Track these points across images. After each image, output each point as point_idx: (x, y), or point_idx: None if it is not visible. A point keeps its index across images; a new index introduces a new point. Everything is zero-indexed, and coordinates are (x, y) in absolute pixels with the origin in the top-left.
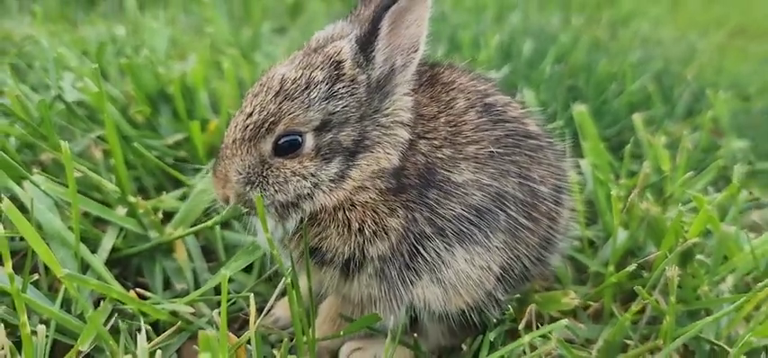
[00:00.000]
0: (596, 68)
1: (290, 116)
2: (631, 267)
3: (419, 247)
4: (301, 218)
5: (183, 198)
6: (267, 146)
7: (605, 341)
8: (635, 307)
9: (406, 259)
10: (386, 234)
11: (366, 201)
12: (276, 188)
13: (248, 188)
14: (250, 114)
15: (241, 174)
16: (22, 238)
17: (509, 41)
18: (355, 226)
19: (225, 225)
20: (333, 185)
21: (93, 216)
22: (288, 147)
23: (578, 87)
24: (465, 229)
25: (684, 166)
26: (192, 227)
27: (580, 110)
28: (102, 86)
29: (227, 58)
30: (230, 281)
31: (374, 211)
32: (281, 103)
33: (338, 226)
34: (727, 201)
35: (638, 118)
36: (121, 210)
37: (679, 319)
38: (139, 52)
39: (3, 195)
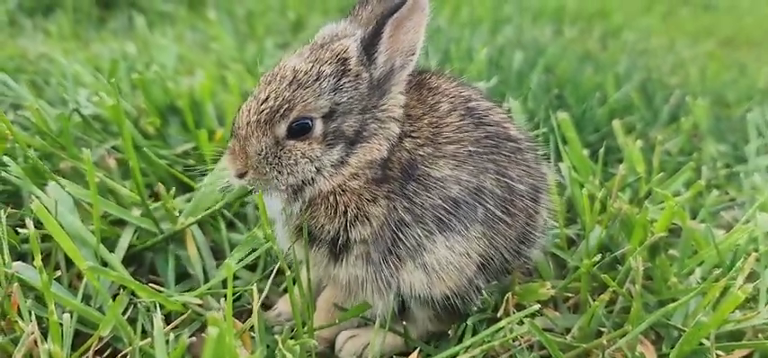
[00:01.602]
0: (582, 79)
1: (304, 103)
2: (597, 258)
3: (399, 234)
4: (302, 204)
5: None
6: (282, 128)
7: (579, 328)
8: (606, 296)
9: (389, 244)
10: (367, 219)
11: (354, 188)
12: (288, 170)
13: (267, 168)
14: (265, 100)
15: (259, 153)
16: (43, 240)
17: (499, 53)
18: (341, 208)
19: (231, 225)
20: (333, 171)
21: (109, 218)
22: (299, 131)
23: (564, 97)
24: (444, 218)
25: (659, 168)
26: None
27: (563, 117)
28: (119, 100)
29: (232, 72)
30: (236, 277)
31: (359, 197)
32: (294, 91)
33: (327, 207)
34: (695, 199)
35: (617, 124)
36: (136, 212)
37: (650, 309)
38: (149, 68)
39: (32, 197)
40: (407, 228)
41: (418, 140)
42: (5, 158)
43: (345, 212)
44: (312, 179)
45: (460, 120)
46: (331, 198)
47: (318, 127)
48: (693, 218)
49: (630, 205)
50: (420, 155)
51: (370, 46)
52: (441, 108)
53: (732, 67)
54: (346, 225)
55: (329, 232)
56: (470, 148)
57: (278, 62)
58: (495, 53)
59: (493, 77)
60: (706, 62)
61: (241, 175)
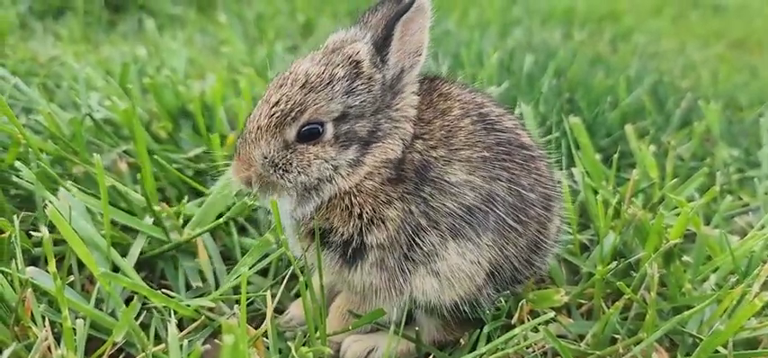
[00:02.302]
0: (593, 82)
1: (315, 106)
2: (613, 265)
3: (416, 238)
4: (317, 206)
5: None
6: (292, 132)
7: (593, 335)
8: (620, 303)
9: (405, 250)
10: (383, 223)
11: (369, 189)
12: (300, 170)
13: (271, 171)
14: (276, 103)
15: (266, 157)
16: (56, 244)
17: (509, 57)
18: (356, 211)
19: (242, 230)
20: (350, 170)
21: (120, 224)
22: (309, 135)
23: (575, 101)
24: (457, 225)
25: (672, 173)
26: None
27: (575, 121)
28: (133, 104)
29: (243, 76)
30: (248, 283)
31: (374, 199)
32: (306, 95)
33: (342, 210)
34: (712, 205)
35: (630, 129)
36: (148, 219)
37: (664, 315)
38: (160, 72)
39: (45, 203)
40: (424, 233)
41: (430, 142)
42: (18, 163)
43: (361, 215)
44: (330, 177)
45: (473, 126)
46: (346, 199)
47: (329, 130)
48: (707, 223)
49: (644, 211)
50: (433, 157)
51: (381, 48)
52: (452, 112)
53: (743, 69)
54: (362, 228)
55: (343, 235)
56: (484, 154)
57: (288, 66)
58: (505, 57)
59: (504, 82)
60: (717, 65)
61: (247, 182)
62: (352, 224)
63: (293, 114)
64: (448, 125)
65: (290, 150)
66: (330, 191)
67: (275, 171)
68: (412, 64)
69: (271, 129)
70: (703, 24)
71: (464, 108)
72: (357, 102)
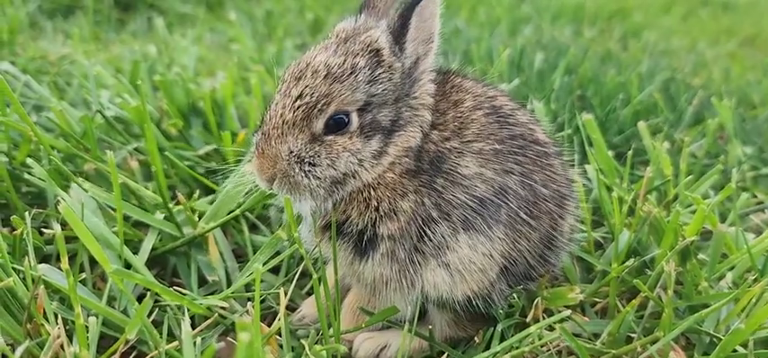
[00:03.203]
0: (605, 79)
1: (341, 97)
2: (630, 262)
3: (427, 229)
4: (339, 199)
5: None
6: (319, 124)
7: (609, 334)
8: (636, 301)
9: (415, 241)
10: (395, 214)
11: (389, 181)
12: (328, 162)
13: (297, 168)
14: (299, 96)
15: (293, 152)
16: (67, 242)
17: (520, 54)
18: (374, 203)
19: (253, 227)
20: (374, 162)
21: (132, 220)
22: (336, 126)
23: (587, 97)
24: (469, 217)
25: (687, 171)
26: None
27: (588, 118)
28: (144, 102)
29: (253, 74)
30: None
31: (392, 191)
32: (331, 85)
33: (360, 202)
34: (725, 202)
35: (643, 126)
36: (159, 216)
37: (681, 314)
38: (171, 69)
39: (59, 199)
40: (434, 224)
41: (445, 133)
42: (29, 160)
43: (377, 208)
44: (355, 172)
45: (486, 118)
46: (365, 192)
47: (355, 120)
48: (721, 221)
49: (659, 208)
50: (446, 148)
51: (399, 36)
52: (464, 104)
53: (755, 67)
54: (376, 220)
55: (358, 225)
56: (496, 146)
57: (299, 59)
58: (515, 54)
59: (515, 79)
60: (728, 63)
61: (271, 180)
62: (368, 215)
63: (320, 106)
64: (461, 116)
65: (318, 143)
66: (353, 185)
67: (301, 167)
68: (426, 51)
69: (298, 123)
70: (713, 22)
71: (476, 100)
72: (379, 91)
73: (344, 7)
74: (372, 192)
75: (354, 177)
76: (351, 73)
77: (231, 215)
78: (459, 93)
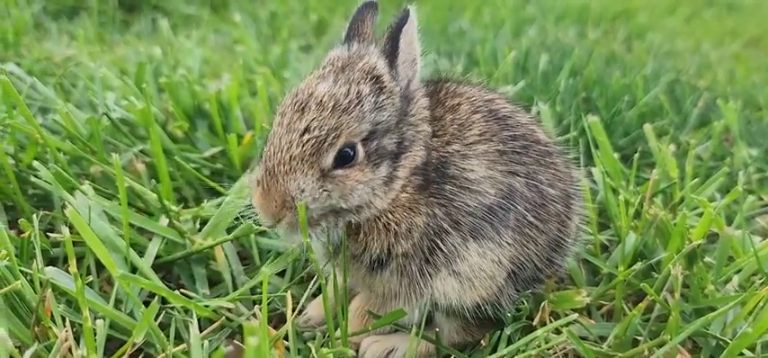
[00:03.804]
0: (610, 81)
1: (349, 129)
2: (637, 265)
3: (438, 241)
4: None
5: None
6: (328, 159)
7: (615, 337)
8: (643, 304)
9: (427, 254)
10: (410, 233)
11: (403, 202)
12: (340, 199)
13: (311, 204)
14: (306, 130)
15: (303, 189)
16: (74, 245)
17: (525, 56)
18: (393, 228)
19: (260, 231)
20: (386, 188)
21: (137, 226)
22: (343, 159)
23: (592, 99)
24: (478, 224)
25: (693, 173)
26: (226, 233)
27: (593, 120)
28: (149, 105)
29: (258, 76)
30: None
31: (408, 211)
32: (339, 118)
33: (379, 229)
34: (732, 205)
35: (649, 128)
36: (164, 220)
37: (687, 317)
38: (176, 71)
39: (64, 203)
40: (446, 235)
41: (444, 138)
42: (35, 163)
43: (396, 233)
44: (368, 203)
45: (485, 121)
46: (383, 219)
47: (361, 152)
48: (727, 224)
49: (665, 211)
50: (448, 152)
51: (392, 59)
52: (461, 108)
53: (760, 68)
54: (394, 242)
55: (376, 251)
56: (499, 148)
57: (297, 89)
58: (520, 56)
59: (520, 81)
60: (733, 64)
61: (277, 219)
62: (387, 241)
63: (330, 139)
64: (459, 119)
65: (329, 179)
66: (368, 213)
67: (314, 204)
68: (413, 72)
69: (306, 159)
70: (718, 23)
71: (473, 104)
72: (384, 118)
73: (348, 9)
74: (390, 216)
75: (368, 207)
76: (357, 103)
77: (233, 234)
78: (454, 97)
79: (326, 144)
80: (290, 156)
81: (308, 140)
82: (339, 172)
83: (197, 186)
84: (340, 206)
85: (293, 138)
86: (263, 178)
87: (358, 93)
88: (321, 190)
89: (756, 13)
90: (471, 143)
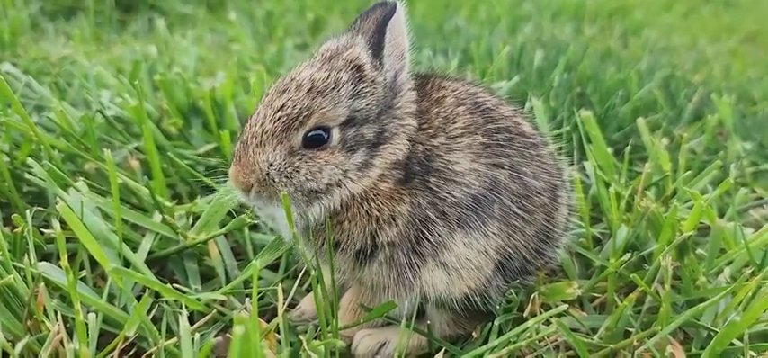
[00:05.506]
0: (604, 76)
1: (322, 111)
2: (627, 257)
3: (424, 231)
4: (328, 210)
5: None
6: (298, 138)
7: (607, 328)
8: (634, 296)
9: (413, 243)
10: (394, 220)
11: (384, 192)
12: (308, 176)
13: (276, 179)
14: (281, 108)
15: (271, 163)
16: (67, 241)
17: (520, 52)
18: (374, 214)
19: (253, 226)
20: (360, 173)
21: (130, 222)
22: (315, 140)
23: (586, 95)
24: (463, 215)
25: (686, 166)
26: (219, 227)
27: (586, 115)
28: (142, 101)
29: (253, 73)
30: (259, 277)
31: (390, 200)
32: (313, 99)
33: (361, 218)
34: (725, 198)
35: (642, 122)
36: (157, 216)
37: (678, 308)
38: (171, 69)
39: (57, 199)
40: (431, 225)
41: (429, 131)
42: (30, 160)
43: (377, 219)
44: (339, 182)
45: (470, 114)
46: (364, 206)
47: (335, 136)
48: (720, 216)
49: (657, 204)
50: (434, 145)
51: (377, 50)
52: (446, 101)
53: (756, 64)
54: (376, 230)
55: (359, 240)
56: (483, 141)
57: (286, 74)
58: (515, 52)
59: (514, 76)
60: (729, 60)
61: (247, 189)
62: (368, 228)
63: (300, 119)
64: (444, 113)
65: (297, 156)
66: (341, 195)
67: (279, 178)
68: (401, 66)
69: (277, 134)
70: (715, 19)
71: (457, 97)
72: (363, 106)
73: (344, 7)
74: (372, 204)
75: (340, 186)
76: (334, 87)
77: (226, 228)
78: (440, 90)
79: (297, 122)
80: (262, 130)
81: (279, 117)
82: (308, 151)
83: (191, 183)
84: (309, 186)
85: (268, 114)
86: (238, 150)
87: (336, 79)
88: (288, 166)
89: (754, 9)
90: (456, 136)
